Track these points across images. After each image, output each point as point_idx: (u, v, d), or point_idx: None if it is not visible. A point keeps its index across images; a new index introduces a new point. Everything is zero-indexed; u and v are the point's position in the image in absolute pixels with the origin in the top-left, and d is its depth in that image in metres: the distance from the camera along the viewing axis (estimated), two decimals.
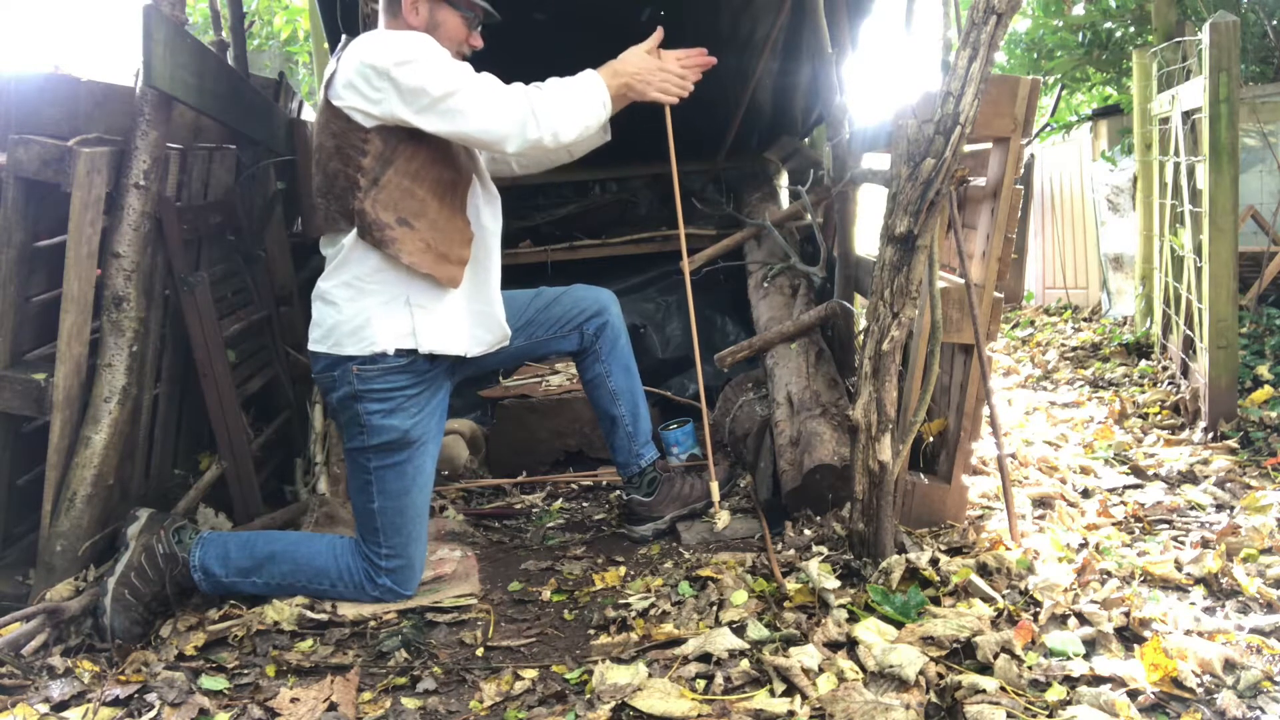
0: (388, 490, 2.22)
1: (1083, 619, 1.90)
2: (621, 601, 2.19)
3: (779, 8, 3.82)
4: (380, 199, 2.15)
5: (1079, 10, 6.42)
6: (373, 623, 2.19)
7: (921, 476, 2.50)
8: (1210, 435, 3.18)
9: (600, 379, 2.60)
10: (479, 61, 2.28)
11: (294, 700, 1.82)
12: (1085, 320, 6.27)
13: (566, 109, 2.14)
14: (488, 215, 2.37)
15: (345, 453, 2.31)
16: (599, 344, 2.58)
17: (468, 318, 2.29)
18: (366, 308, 2.18)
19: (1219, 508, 2.59)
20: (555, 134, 2.13)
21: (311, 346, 2.26)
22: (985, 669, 1.74)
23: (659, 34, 2.31)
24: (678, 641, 1.95)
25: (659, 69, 2.27)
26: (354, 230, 2.16)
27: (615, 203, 4.75)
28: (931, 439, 2.58)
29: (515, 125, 2.09)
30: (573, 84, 2.18)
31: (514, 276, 2.48)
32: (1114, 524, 2.50)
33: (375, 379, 2.18)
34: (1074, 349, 5.26)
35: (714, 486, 2.55)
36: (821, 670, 1.76)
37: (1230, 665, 1.71)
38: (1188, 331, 3.66)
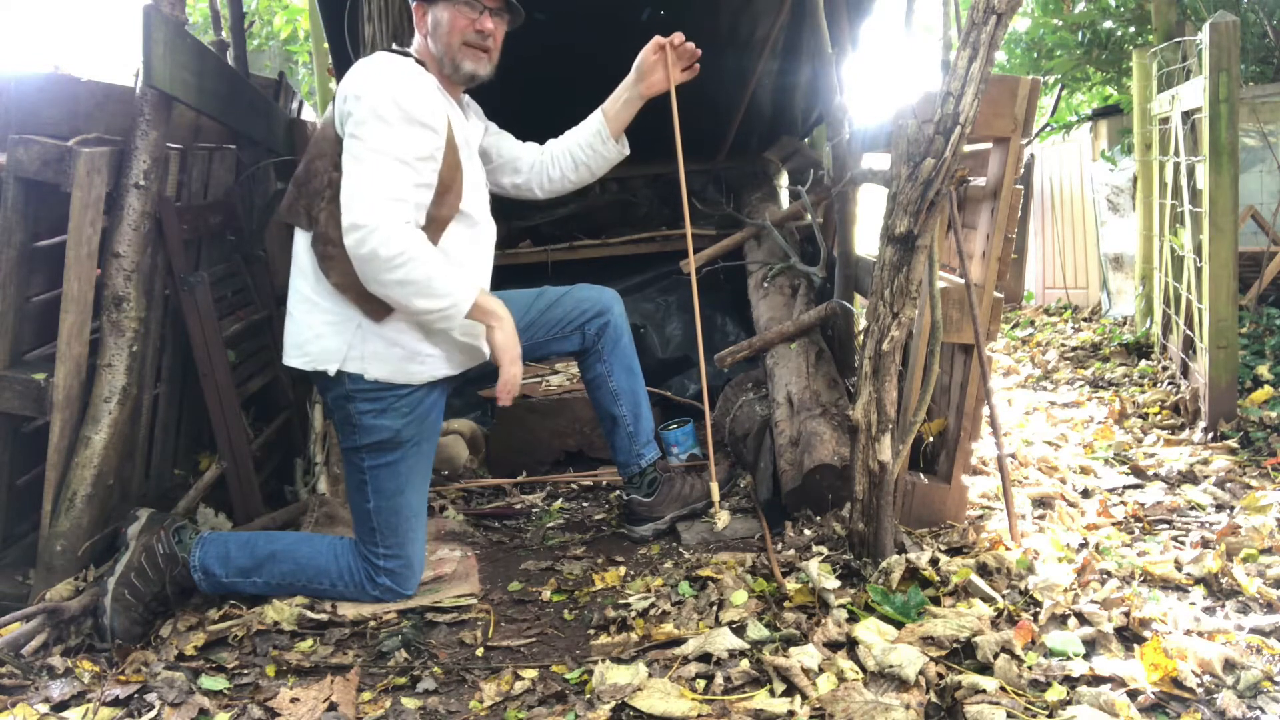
0: (382, 490, 2.22)
1: (1083, 619, 1.90)
2: (621, 601, 2.19)
3: (779, 8, 3.83)
4: (336, 216, 2.09)
5: (1080, 9, 6.42)
6: (373, 623, 2.19)
7: (921, 476, 2.50)
8: (1210, 435, 3.18)
9: (601, 378, 2.60)
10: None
11: (294, 700, 1.82)
12: (1085, 320, 6.27)
13: (407, 276, 2.00)
14: (485, 243, 2.33)
15: (341, 452, 2.31)
16: (600, 344, 2.57)
17: (442, 345, 2.22)
18: (316, 324, 2.17)
19: (1219, 508, 2.59)
20: (377, 271, 1.99)
21: (284, 360, 2.26)
22: (985, 669, 1.74)
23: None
24: (678, 641, 1.95)
25: (515, 359, 2.16)
26: (311, 234, 2.16)
27: (615, 203, 4.75)
28: (931, 439, 2.58)
29: (359, 233, 1.97)
30: (442, 278, 2.04)
31: (514, 276, 2.48)
32: (1114, 524, 2.50)
33: (365, 379, 2.18)
34: (1074, 349, 5.26)
35: (714, 486, 2.55)
36: (821, 670, 1.76)
37: (1230, 665, 1.71)
38: (1188, 331, 3.66)
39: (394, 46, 2.30)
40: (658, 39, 2.37)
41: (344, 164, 2.06)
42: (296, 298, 2.22)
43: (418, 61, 2.20)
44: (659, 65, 2.39)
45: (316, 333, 2.17)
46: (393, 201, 2.01)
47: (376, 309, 2.15)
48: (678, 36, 2.38)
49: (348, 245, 2.01)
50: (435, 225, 2.20)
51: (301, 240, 2.20)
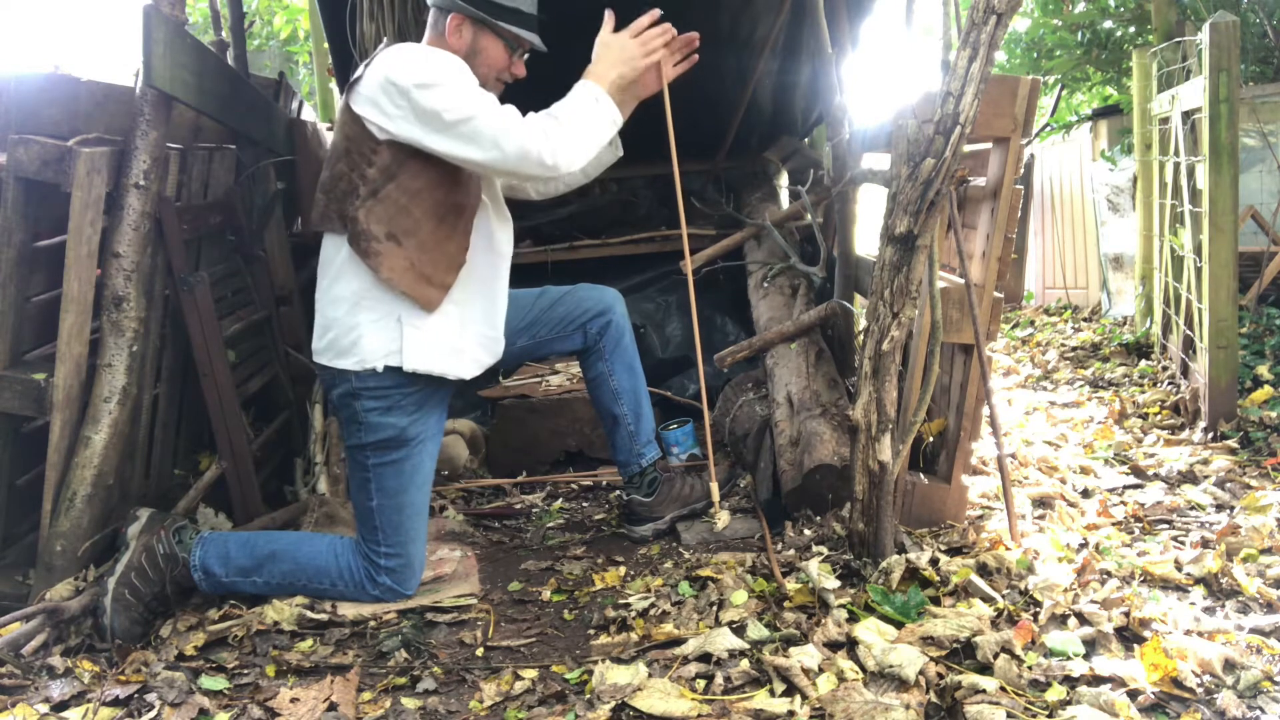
0: (386, 488, 2.22)
1: (1083, 619, 1.90)
2: (621, 601, 2.19)
3: (779, 8, 3.82)
4: (375, 211, 2.14)
5: (1080, 9, 6.43)
6: (373, 623, 2.19)
7: (921, 476, 2.50)
8: (1210, 435, 3.18)
9: (603, 377, 2.60)
10: None
11: (294, 700, 1.82)
12: (1085, 320, 6.27)
13: (580, 138, 2.14)
14: (502, 239, 2.37)
15: (345, 450, 2.32)
16: (602, 343, 2.58)
17: (471, 340, 2.29)
18: (360, 324, 2.17)
19: (1219, 508, 2.59)
20: (571, 163, 2.14)
21: (315, 356, 2.27)
22: (985, 669, 1.74)
23: (610, 18, 2.31)
24: (678, 641, 1.95)
25: (632, 40, 2.27)
26: (347, 235, 2.16)
27: (615, 203, 4.75)
28: (931, 439, 2.58)
29: (529, 157, 2.08)
30: (584, 108, 2.17)
31: (514, 276, 2.48)
32: (1114, 524, 2.50)
33: (372, 377, 2.18)
34: (1074, 349, 5.26)
35: (714, 486, 2.55)
36: (821, 670, 1.76)
37: (1230, 665, 1.71)
38: (1188, 331, 3.66)
39: (385, 42, 2.30)
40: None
41: (458, 136, 2.07)
42: (336, 302, 2.21)
43: None
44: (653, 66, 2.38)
45: (361, 333, 2.17)
46: (519, 121, 2.09)
47: (427, 298, 2.18)
48: (670, 35, 2.36)
49: (531, 172, 2.10)
50: (465, 213, 2.24)
51: (335, 244, 2.20)
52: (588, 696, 1.78)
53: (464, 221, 2.24)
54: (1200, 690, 1.66)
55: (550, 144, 2.09)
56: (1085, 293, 6.77)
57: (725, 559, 2.35)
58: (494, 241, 2.34)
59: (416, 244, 2.17)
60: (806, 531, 2.45)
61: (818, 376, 2.97)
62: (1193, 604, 1.99)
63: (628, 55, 2.25)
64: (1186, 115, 3.64)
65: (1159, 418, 3.54)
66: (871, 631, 1.86)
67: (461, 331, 2.26)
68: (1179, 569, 2.14)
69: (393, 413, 2.20)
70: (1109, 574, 2.13)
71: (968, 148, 2.26)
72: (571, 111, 2.16)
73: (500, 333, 2.37)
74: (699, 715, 1.68)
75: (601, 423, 2.69)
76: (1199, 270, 3.37)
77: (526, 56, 2.33)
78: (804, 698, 1.69)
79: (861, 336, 2.43)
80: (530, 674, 1.90)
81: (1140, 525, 2.50)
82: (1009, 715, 1.57)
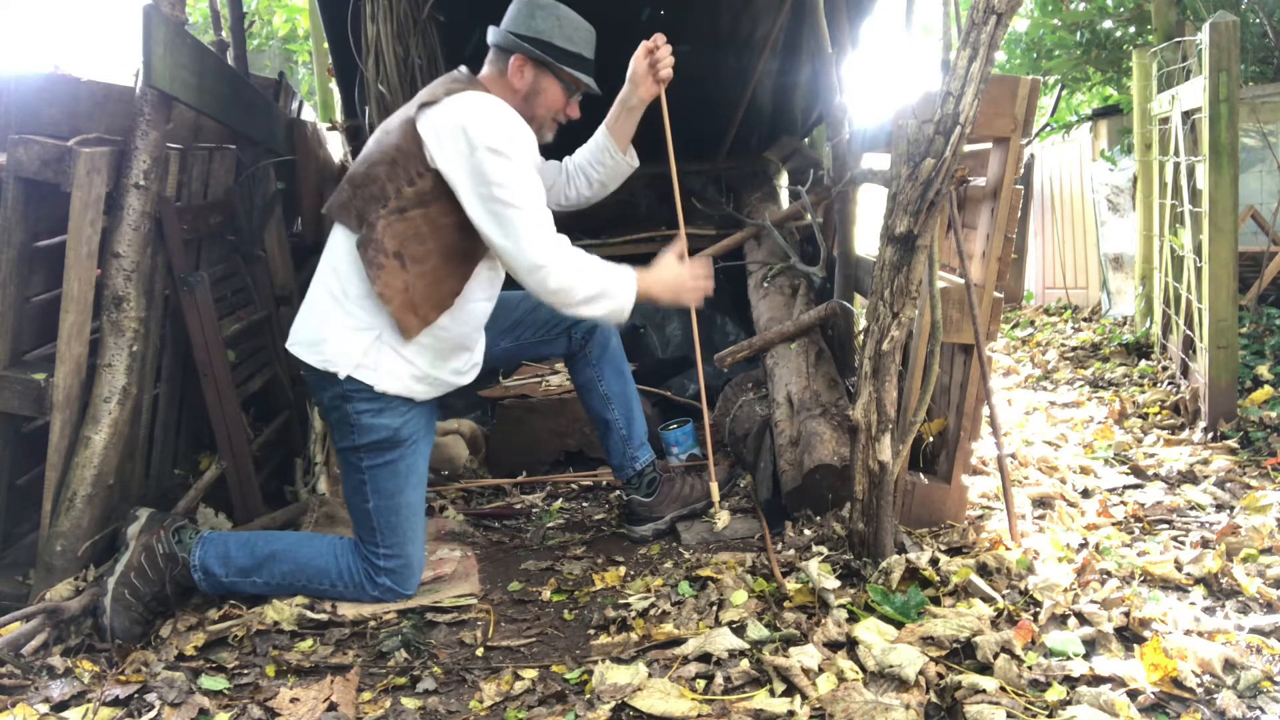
0: (381, 490, 2.22)
1: (1083, 619, 1.90)
2: (621, 601, 2.19)
3: (779, 8, 3.83)
4: (395, 227, 2.15)
5: (1080, 9, 6.43)
6: (373, 623, 2.19)
7: (921, 476, 2.50)
8: (1210, 435, 3.18)
9: (591, 383, 2.61)
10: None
11: (294, 700, 1.82)
12: (1085, 320, 6.28)
13: (589, 298, 2.18)
14: (500, 280, 2.39)
15: (338, 453, 2.31)
16: (589, 348, 2.58)
17: (445, 371, 2.29)
18: (337, 325, 2.18)
19: (1219, 508, 2.59)
20: (565, 305, 2.18)
21: (289, 345, 2.27)
22: (985, 669, 1.74)
23: (682, 241, 2.40)
24: (678, 641, 1.95)
25: (692, 278, 2.34)
26: (358, 236, 2.16)
27: (615, 203, 4.74)
28: (931, 439, 2.58)
29: (538, 272, 2.12)
30: (614, 288, 2.21)
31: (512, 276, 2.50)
32: (1114, 524, 2.50)
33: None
34: (1074, 349, 5.26)
35: (714, 486, 2.55)
36: (821, 670, 1.76)
37: (1230, 665, 1.71)
38: (1188, 331, 3.66)
39: (463, 71, 2.30)
40: (645, 44, 2.38)
41: (494, 213, 2.10)
42: (324, 294, 2.22)
43: None
44: (651, 70, 2.39)
45: (337, 334, 2.18)
46: (553, 236, 2.14)
47: (408, 325, 2.17)
48: (655, 40, 2.38)
49: (532, 285, 2.15)
50: (471, 261, 2.24)
51: (345, 240, 2.21)
52: (588, 696, 1.78)
53: (466, 268, 2.24)
54: (1200, 690, 1.66)
55: (565, 279, 2.13)
56: (1085, 293, 6.77)
57: (725, 559, 2.35)
58: (494, 288, 2.37)
59: (419, 273, 2.16)
60: (806, 531, 2.45)
61: (818, 376, 2.97)
62: (1193, 604, 1.99)
63: (679, 286, 2.33)
64: (1186, 115, 3.64)
65: (1159, 418, 3.54)
66: (871, 631, 1.86)
67: (434, 361, 2.26)
68: (1179, 569, 2.15)
69: (384, 414, 2.20)
70: (1109, 574, 2.13)
71: (968, 148, 2.26)
72: (603, 278, 2.19)
73: (480, 357, 2.40)
74: (699, 715, 1.68)
75: (595, 427, 2.69)
76: (1199, 270, 3.37)
77: (580, 98, 2.35)
78: (804, 698, 1.69)
79: (861, 336, 2.43)
80: (530, 674, 1.90)
81: (1140, 525, 2.50)
82: (1009, 715, 1.58)
